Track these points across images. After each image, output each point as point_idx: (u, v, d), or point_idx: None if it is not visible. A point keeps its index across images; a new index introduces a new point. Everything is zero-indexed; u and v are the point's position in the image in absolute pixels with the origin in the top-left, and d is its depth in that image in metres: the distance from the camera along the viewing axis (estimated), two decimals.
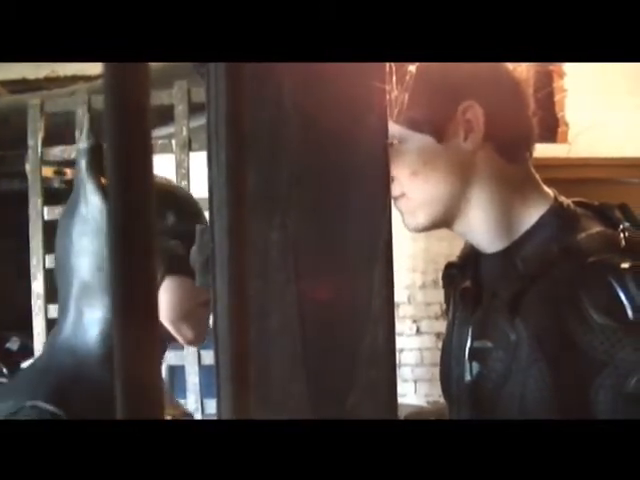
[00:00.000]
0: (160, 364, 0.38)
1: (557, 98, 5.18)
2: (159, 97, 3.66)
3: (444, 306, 1.67)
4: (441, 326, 5.23)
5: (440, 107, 1.37)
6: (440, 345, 5.25)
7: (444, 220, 1.42)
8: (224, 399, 0.53)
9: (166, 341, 1.61)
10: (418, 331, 5.31)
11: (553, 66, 5.04)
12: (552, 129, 5.18)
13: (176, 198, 1.62)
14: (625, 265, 1.21)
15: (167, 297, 1.54)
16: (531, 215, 1.38)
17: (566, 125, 5.24)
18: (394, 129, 1.35)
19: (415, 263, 5.22)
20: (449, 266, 1.61)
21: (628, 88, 5.14)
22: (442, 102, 1.37)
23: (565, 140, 5.21)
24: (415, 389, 5.27)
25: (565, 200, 1.40)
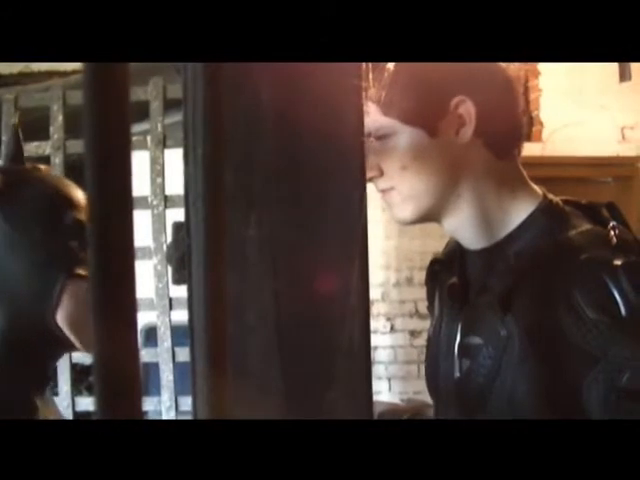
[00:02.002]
0: (138, 363, 0.38)
1: (532, 97, 5.20)
2: (134, 93, 3.64)
3: (426, 303, 1.66)
4: (415, 324, 5.25)
5: (433, 100, 1.37)
6: (414, 343, 5.21)
7: (433, 214, 1.41)
8: (200, 396, 0.53)
9: (65, 348, 1.57)
10: (392, 329, 5.31)
11: (528, 65, 5.06)
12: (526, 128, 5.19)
13: (73, 196, 1.54)
14: (618, 262, 1.21)
15: (70, 302, 1.47)
16: (520, 212, 1.38)
17: (540, 124, 5.27)
18: (387, 122, 1.35)
19: (389, 261, 5.23)
20: (434, 262, 1.60)
21: (602, 88, 5.17)
22: (435, 95, 1.37)
23: (539, 139, 5.23)
24: (389, 386, 5.28)
25: (554, 198, 1.40)
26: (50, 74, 4.86)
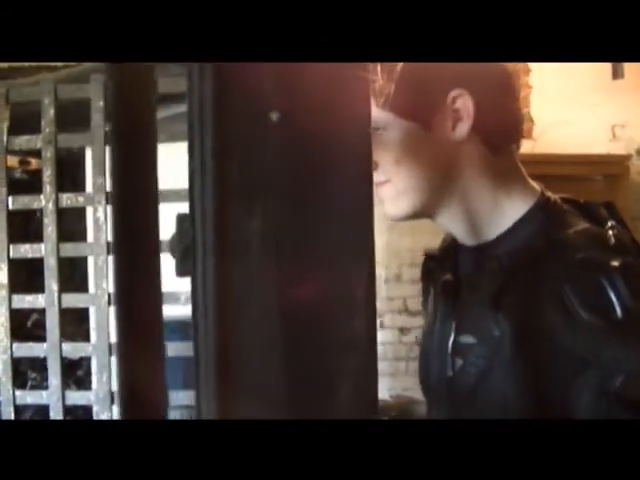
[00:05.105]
0: (163, 365, 0.37)
1: (522, 94, 5.21)
2: None
3: (420, 299, 1.65)
4: (404, 321, 5.25)
5: (428, 94, 1.35)
6: (403, 339, 5.21)
7: (426, 210, 1.41)
8: (204, 388, 0.53)
9: None
10: (381, 325, 5.31)
11: (519, 63, 5.07)
12: None
13: None
14: (615, 263, 1.19)
15: None
16: (517, 209, 1.37)
17: (531, 121, 5.28)
18: (381, 116, 1.34)
19: (378, 257, 5.22)
20: (428, 258, 1.59)
21: (592, 86, 5.18)
22: (430, 89, 1.35)
23: (530, 136, 5.24)
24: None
25: (552, 195, 1.40)
26: (40, 68, 4.84)
